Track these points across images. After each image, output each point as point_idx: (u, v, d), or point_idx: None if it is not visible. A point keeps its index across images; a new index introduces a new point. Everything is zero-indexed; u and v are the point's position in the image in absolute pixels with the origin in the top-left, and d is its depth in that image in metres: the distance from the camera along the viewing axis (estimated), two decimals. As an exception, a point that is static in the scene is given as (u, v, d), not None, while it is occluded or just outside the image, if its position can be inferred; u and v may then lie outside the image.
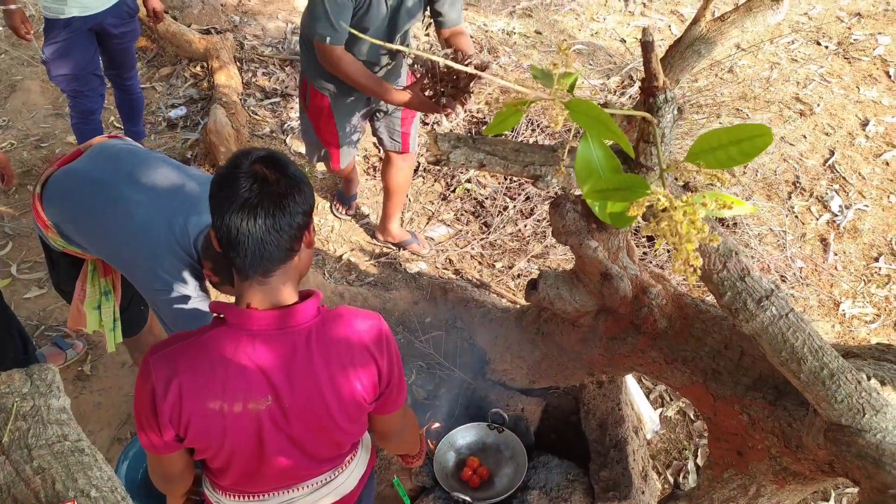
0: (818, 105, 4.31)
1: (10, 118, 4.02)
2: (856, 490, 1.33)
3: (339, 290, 2.91)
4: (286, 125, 4.05)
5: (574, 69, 0.97)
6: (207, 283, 1.89)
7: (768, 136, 0.86)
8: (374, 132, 2.98)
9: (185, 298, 1.80)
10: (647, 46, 1.19)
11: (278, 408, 1.25)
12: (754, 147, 0.87)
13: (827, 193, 3.78)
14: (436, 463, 2.23)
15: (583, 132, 0.96)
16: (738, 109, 4.16)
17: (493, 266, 3.33)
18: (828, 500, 2.60)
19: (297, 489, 1.44)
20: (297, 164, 1.26)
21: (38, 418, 1.12)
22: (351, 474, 1.51)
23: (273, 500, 1.44)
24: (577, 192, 1.76)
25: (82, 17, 2.90)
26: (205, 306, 1.84)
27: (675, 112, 1.29)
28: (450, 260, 3.36)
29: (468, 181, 3.69)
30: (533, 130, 3.72)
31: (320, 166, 3.51)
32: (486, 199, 3.60)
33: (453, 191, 3.67)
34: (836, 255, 3.49)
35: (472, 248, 3.40)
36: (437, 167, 3.73)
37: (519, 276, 3.27)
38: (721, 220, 3.43)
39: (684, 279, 3.15)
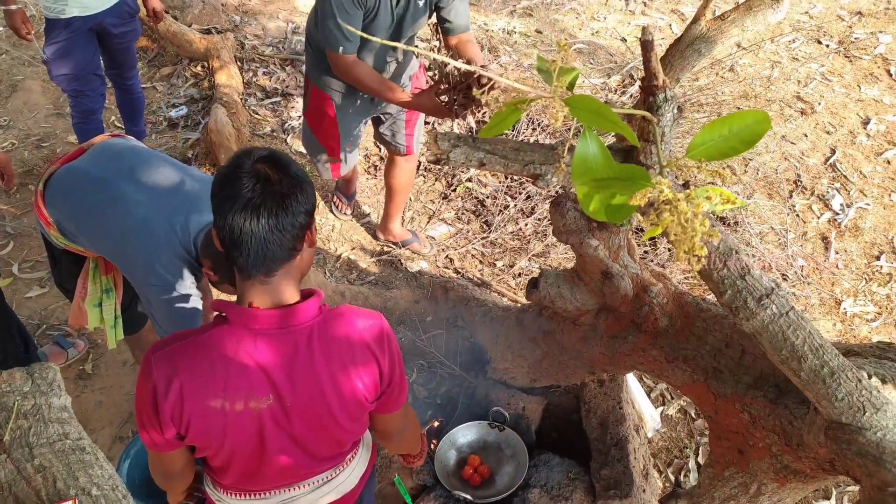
0: (819, 104, 4.30)
1: (11, 118, 4.03)
2: (857, 488, 1.33)
3: (341, 289, 2.91)
4: (287, 125, 4.05)
5: (574, 66, 0.97)
6: (204, 283, 1.90)
7: (766, 121, 0.86)
8: (378, 134, 2.97)
9: (181, 297, 1.81)
10: (646, 45, 1.19)
11: (280, 407, 1.26)
12: (753, 134, 0.87)
13: (828, 192, 3.78)
14: (437, 461, 2.23)
15: (581, 130, 0.96)
16: (738, 108, 4.15)
17: (494, 265, 3.33)
18: (829, 499, 2.60)
19: (298, 487, 1.44)
20: (298, 163, 1.26)
21: (39, 417, 1.13)
22: (352, 472, 1.51)
23: (274, 499, 1.44)
24: (578, 191, 1.76)
25: (83, 16, 2.91)
26: (199, 306, 1.84)
27: (675, 111, 1.29)
28: (451, 259, 3.36)
29: (469, 180, 3.69)
30: (534, 129, 3.72)
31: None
32: (487, 197, 3.60)
33: (454, 190, 3.67)
34: (837, 253, 3.49)
35: (473, 247, 3.40)
36: (438, 166, 3.74)
37: (520, 274, 3.27)
38: (722, 219, 3.43)
39: (685, 278, 3.15)
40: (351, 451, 1.50)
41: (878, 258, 3.47)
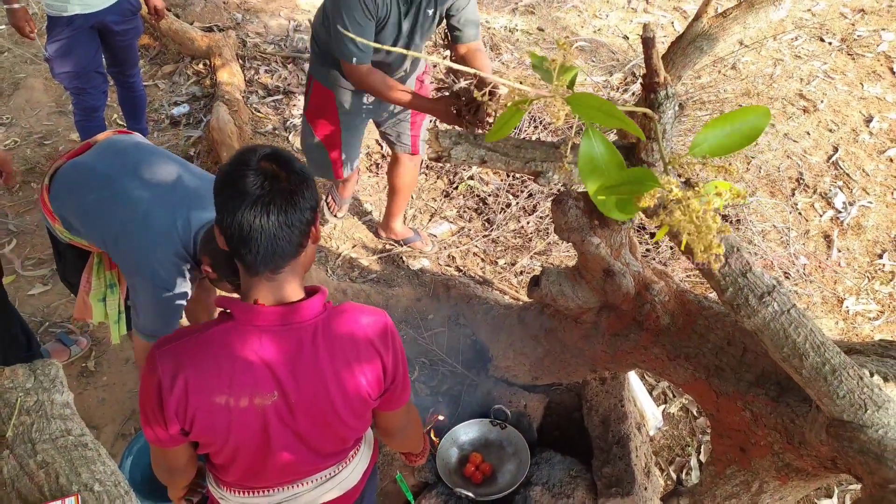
0: (822, 101, 4.30)
1: (13, 116, 4.03)
2: (859, 487, 1.33)
3: (342, 287, 2.91)
4: (289, 122, 4.05)
5: (574, 64, 0.97)
6: (206, 282, 1.91)
7: (766, 115, 0.86)
8: (382, 134, 2.97)
9: (169, 295, 1.83)
10: (647, 42, 1.19)
11: (284, 403, 1.26)
12: (754, 129, 0.87)
13: (830, 190, 3.77)
14: (438, 459, 2.24)
15: (584, 128, 0.96)
16: (741, 106, 4.14)
17: (496, 263, 3.33)
18: (831, 497, 2.60)
19: (302, 484, 1.44)
20: (300, 161, 1.27)
21: (41, 413, 1.13)
22: (354, 469, 1.52)
23: (278, 496, 1.44)
24: (579, 189, 1.76)
25: (85, 14, 2.91)
26: (183, 304, 1.87)
27: (677, 108, 1.29)
28: (452, 257, 3.36)
29: (471, 178, 3.69)
30: (535, 128, 3.72)
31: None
32: (489, 195, 3.60)
33: (456, 187, 3.67)
34: (839, 251, 3.48)
35: (475, 245, 3.40)
36: (440, 164, 3.74)
37: (521, 272, 3.27)
38: (724, 217, 3.42)
39: (687, 276, 3.15)
40: (353, 448, 1.50)
41: (880, 256, 3.47)
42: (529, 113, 3.71)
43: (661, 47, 1.29)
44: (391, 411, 1.43)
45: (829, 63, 4.59)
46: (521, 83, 0.91)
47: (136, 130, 3.50)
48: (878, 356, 1.43)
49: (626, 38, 4.83)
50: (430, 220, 3.56)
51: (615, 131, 1.61)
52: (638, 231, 3.31)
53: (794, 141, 4.03)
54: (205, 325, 1.25)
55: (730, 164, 0.92)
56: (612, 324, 1.87)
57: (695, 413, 2.83)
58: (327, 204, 3.40)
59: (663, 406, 2.83)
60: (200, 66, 4.40)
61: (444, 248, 3.40)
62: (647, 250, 3.23)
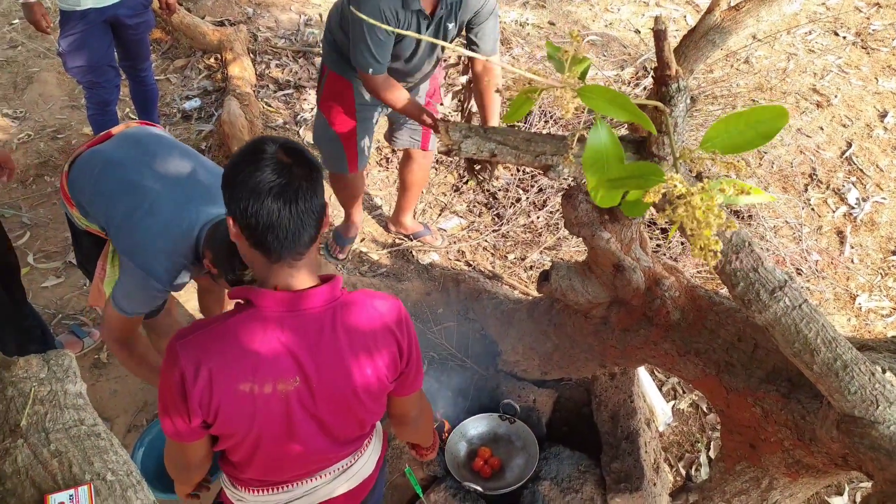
0: (836, 96, 4.25)
1: (27, 110, 4.07)
2: (870, 484, 1.32)
3: (352, 281, 2.92)
4: (299, 116, 4.06)
5: (586, 56, 0.97)
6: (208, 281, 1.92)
7: (784, 116, 0.85)
8: (392, 132, 2.97)
9: (156, 288, 1.85)
10: (659, 35, 1.19)
11: (306, 388, 1.27)
12: (771, 128, 0.86)
13: (844, 186, 3.74)
14: (447, 453, 2.24)
15: (593, 121, 0.95)
16: (753, 100, 4.11)
17: (506, 257, 3.33)
18: (841, 495, 2.58)
19: (319, 477, 1.46)
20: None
21: (55, 403, 1.14)
22: (368, 459, 1.54)
23: (297, 490, 1.45)
24: (590, 183, 1.75)
25: (97, 8, 2.93)
26: (164, 297, 1.92)
27: (688, 101, 1.28)
28: (462, 251, 3.36)
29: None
30: (546, 122, 3.71)
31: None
32: (499, 190, 3.59)
33: (466, 182, 3.67)
34: (852, 248, 3.46)
35: (485, 240, 3.40)
36: (450, 158, 3.73)
37: (531, 267, 3.27)
38: (735, 212, 3.40)
39: (697, 271, 3.14)
40: (368, 437, 1.52)
41: (894, 253, 3.43)
42: (540, 107, 3.69)
43: (673, 41, 1.29)
44: (405, 396, 1.45)
45: (843, 57, 4.54)
46: (532, 74, 0.90)
47: (148, 124, 3.54)
48: (891, 353, 1.42)
49: (637, 32, 4.80)
50: (439, 214, 3.56)
51: (626, 125, 1.60)
52: (648, 226, 3.30)
53: (808, 136, 4.00)
54: (222, 317, 1.26)
55: (738, 161, 0.91)
56: (622, 319, 1.86)
57: (704, 409, 2.82)
58: (328, 246, 3.30)
59: (673, 402, 2.82)
60: (212, 60, 4.42)
61: (454, 242, 3.40)
62: (658, 245, 3.22)
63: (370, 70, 2.28)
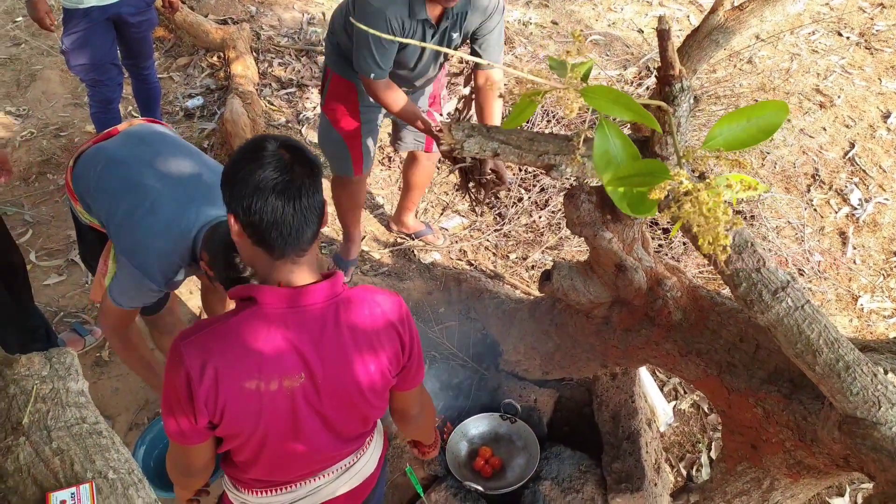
0: (839, 97, 4.25)
1: (30, 107, 4.07)
2: (871, 485, 1.32)
3: (354, 280, 2.92)
4: (302, 115, 4.06)
5: (588, 57, 0.97)
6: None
7: (784, 110, 0.86)
8: (396, 135, 2.96)
9: (151, 288, 1.85)
10: (663, 35, 1.18)
11: (311, 384, 1.28)
12: (771, 123, 0.86)
13: (846, 186, 3.73)
14: (448, 452, 2.24)
15: (598, 122, 0.95)
16: (756, 100, 4.10)
17: (508, 257, 3.33)
18: (843, 496, 2.58)
19: (322, 476, 1.46)
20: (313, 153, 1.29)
21: (57, 401, 1.15)
22: (370, 457, 1.54)
23: (300, 491, 1.45)
24: (592, 183, 1.75)
25: (101, 6, 2.93)
26: (157, 296, 1.93)
27: (692, 101, 1.28)
28: (464, 251, 3.36)
29: (483, 172, 3.68)
30: (548, 122, 3.70)
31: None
32: (501, 190, 3.59)
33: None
34: (854, 248, 3.45)
35: (487, 239, 3.40)
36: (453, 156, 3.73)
37: (533, 267, 3.27)
38: (738, 213, 3.40)
39: (699, 272, 3.13)
40: (370, 434, 1.52)
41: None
42: (542, 107, 3.69)
43: (676, 41, 1.28)
44: (407, 391, 1.46)
45: (846, 58, 4.53)
46: (535, 75, 0.90)
47: (151, 123, 3.54)
48: (893, 354, 1.42)
49: (640, 31, 4.80)
50: (441, 213, 3.56)
51: (628, 125, 1.60)
52: (650, 226, 3.29)
53: (811, 136, 3.99)
54: (225, 316, 1.26)
55: (743, 158, 0.91)
56: (624, 319, 1.86)
57: (706, 409, 2.82)
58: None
59: (674, 402, 2.82)
60: (215, 58, 4.42)
61: (456, 241, 3.40)
62: (660, 246, 3.21)
63: (372, 75, 2.30)
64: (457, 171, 2.44)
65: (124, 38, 3.17)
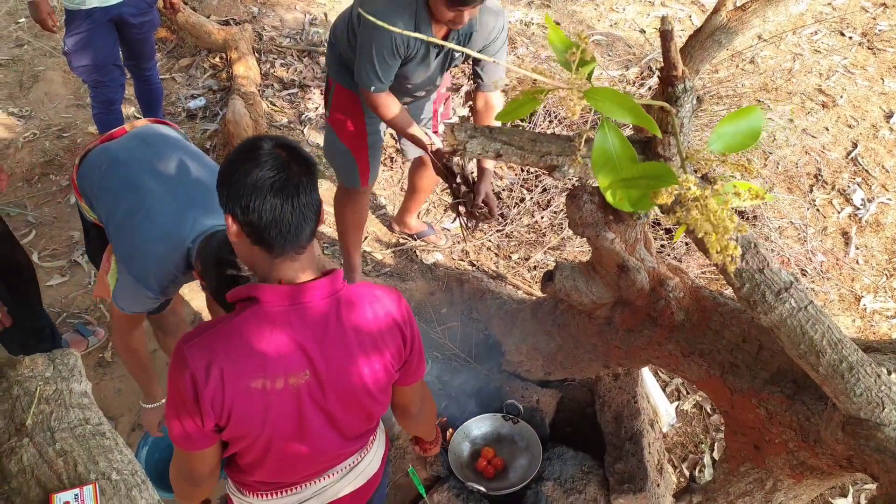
0: (841, 97, 4.24)
1: (32, 108, 4.08)
2: (874, 486, 1.31)
3: (356, 280, 2.92)
4: (304, 116, 4.06)
5: (593, 58, 0.97)
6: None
7: (758, 117, 0.87)
8: (403, 142, 2.96)
9: (148, 295, 1.85)
10: (666, 35, 1.18)
11: (315, 381, 1.28)
12: (753, 130, 0.87)
13: (849, 186, 3.73)
14: (451, 453, 2.24)
15: (600, 123, 0.95)
16: (759, 101, 4.10)
17: (510, 257, 3.33)
18: (846, 496, 2.57)
19: (327, 476, 1.46)
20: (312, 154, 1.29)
21: (60, 402, 1.15)
22: (374, 457, 1.55)
23: (306, 492, 1.46)
24: (595, 184, 1.75)
25: (103, 7, 2.94)
26: (156, 304, 1.92)
27: (695, 101, 1.28)
28: (466, 251, 3.36)
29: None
30: (550, 122, 3.70)
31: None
32: (503, 190, 3.59)
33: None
34: (857, 249, 3.44)
35: (489, 240, 3.40)
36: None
37: (535, 267, 3.27)
38: (740, 213, 3.40)
39: (702, 272, 3.13)
40: (374, 432, 1.53)
41: (899, 254, 3.42)
42: (545, 107, 3.69)
43: (678, 41, 1.28)
44: (408, 386, 1.46)
45: (849, 58, 4.53)
46: (539, 74, 0.90)
47: (153, 124, 3.55)
48: (897, 354, 1.42)
49: (642, 31, 4.79)
50: (443, 214, 3.56)
51: (631, 126, 1.60)
52: (653, 227, 3.29)
53: (813, 136, 3.98)
54: (227, 317, 1.26)
55: (749, 161, 0.91)
56: (626, 319, 1.86)
57: (708, 410, 2.81)
58: None
59: (677, 403, 2.82)
60: (217, 59, 4.43)
61: (458, 242, 3.40)
62: (662, 246, 3.21)
63: (372, 88, 2.31)
64: (450, 194, 2.46)
65: (126, 39, 3.17)
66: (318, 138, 3.88)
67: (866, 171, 3.81)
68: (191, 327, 2.26)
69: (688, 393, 2.87)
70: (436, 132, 2.84)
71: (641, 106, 0.86)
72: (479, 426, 2.36)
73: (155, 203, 1.83)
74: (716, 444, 2.70)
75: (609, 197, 0.96)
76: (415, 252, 3.34)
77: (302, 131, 3.98)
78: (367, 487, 1.55)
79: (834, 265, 3.37)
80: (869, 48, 4.61)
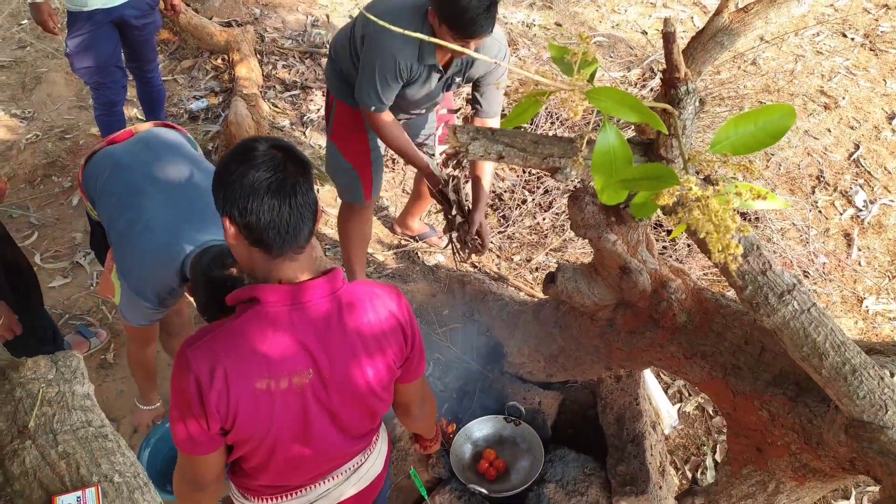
0: (843, 98, 4.24)
1: (35, 110, 4.08)
2: (877, 489, 1.31)
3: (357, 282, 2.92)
4: (305, 117, 4.07)
5: (595, 59, 0.97)
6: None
7: (792, 115, 0.86)
8: None
9: (148, 307, 1.86)
10: (668, 37, 1.18)
11: (319, 380, 1.28)
12: (779, 127, 0.86)
13: (851, 188, 3.72)
14: (452, 455, 2.24)
15: (601, 124, 0.95)
16: (761, 102, 4.10)
17: (512, 259, 3.33)
18: (848, 499, 2.57)
19: (331, 479, 1.46)
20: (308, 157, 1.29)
21: (63, 404, 1.15)
22: (377, 457, 1.55)
23: (310, 495, 1.46)
24: (597, 185, 1.75)
25: (105, 9, 2.94)
26: (157, 315, 1.93)
27: (697, 103, 1.28)
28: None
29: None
30: (552, 123, 3.70)
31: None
32: (505, 192, 3.59)
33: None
34: (859, 250, 3.44)
35: (491, 241, 3.40)
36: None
37: (537, 269, 3.27)
38: (742, 215, 3.39)
39: (704, 274, 3.12)
40: (376, 432, 1.53)
41: (902, 255, 3.42)
42: (546, 109, 3.69)
43: (680, 43, 1.28)
44: (410, 383, 1.47)
45: (851, 59, 4.52)
46: (541, 76, 0.90)
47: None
48: (900, 357, 1.41)
49: (644, 33, 4.79)
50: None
51: (633, 128, 1.60)
52: (655, 228, 3.29)
53: (815, 138, 3.98)
54: (228, 319, 1.26)
55: (750, 163, 0.91)
56: (628, 321, 1.86)
57: (711, 412, 2.81)
58: None
59: (679, 404, 2.81)
60: (219, 61, 4.43)
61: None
62: (664, 247, 3.21)
63: (372, 108, 2.34)
64: (444, 219, 2.49)
65: (128, 41, 3.18)
66: (320, 139, 3.88)
67: (868, 172, 3.81)
68: (195, 328, 2.26)
69: (690, 395, 2.86)
70: (432, 154, 2.85)
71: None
72: (481, 428, 2.35)
73: (156, 214, 1.83)
74: (718, 447, 2.70)
75: (601, 196, 0.96)
76: (416, 254, 3.34)
77: (304, 133, 3.99)
78: (370, 489, 1.55)
79: (836, 267, 3.36)
80: (871, 49, 4.61)
